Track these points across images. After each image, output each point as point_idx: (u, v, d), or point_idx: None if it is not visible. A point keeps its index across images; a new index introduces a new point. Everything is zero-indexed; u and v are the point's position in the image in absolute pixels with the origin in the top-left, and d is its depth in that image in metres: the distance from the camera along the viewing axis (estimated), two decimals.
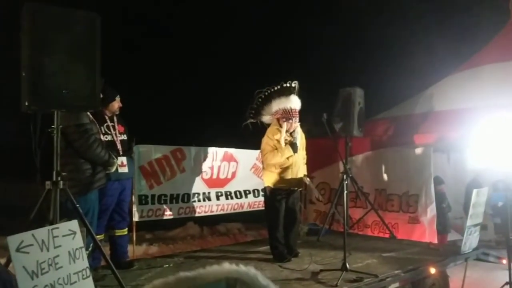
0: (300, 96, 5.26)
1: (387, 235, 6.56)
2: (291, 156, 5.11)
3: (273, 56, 13.88)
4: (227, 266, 0.71)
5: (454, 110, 6.88)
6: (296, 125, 5.20)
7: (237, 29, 14.43)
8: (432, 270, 4.92)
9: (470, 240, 5.44)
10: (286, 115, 5.12)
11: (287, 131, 5.13)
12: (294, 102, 5.17)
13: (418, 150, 6.65)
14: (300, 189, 5.36)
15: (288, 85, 5.25)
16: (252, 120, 5.35)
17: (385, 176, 7.03)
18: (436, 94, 7.69)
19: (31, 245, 2.56)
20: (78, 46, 3.20)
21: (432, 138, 6.75)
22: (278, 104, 5.18)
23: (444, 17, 12.21)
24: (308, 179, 5.35)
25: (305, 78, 5.42)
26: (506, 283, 5.16)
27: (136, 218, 5.67)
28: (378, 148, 7.26)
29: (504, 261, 5.45)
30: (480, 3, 10.62)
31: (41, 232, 2.67)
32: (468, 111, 6.44)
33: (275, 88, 5.26)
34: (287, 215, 5.27)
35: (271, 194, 5.22)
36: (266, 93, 5.28)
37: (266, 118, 5.33)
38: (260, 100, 5.30)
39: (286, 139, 5.11)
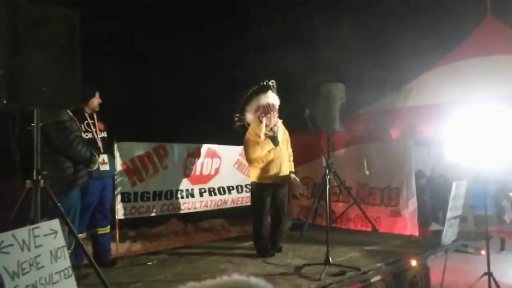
0: (278, 93, 5.41)
1: (369, 229, 6.64)
2: (272, 149, 5.20)
3: (254, 52, 13.84)
4: (236, 277, 0.71)
5: (434, 105, 6.99)
6: (275, 119, 5.33)
7: (219, 26, 14.36)
8: (413, 263, 5.01)
9: (450, 232, 5.55)
10: (265, 110, 5.28)
11: (266, 125, 5.25)
12: (271, 98, 5.34)
13: (399, 144, 6.74)
14: (285, 183, 5.41)
15: (265, 83, 5.42)
16: (239, 123, 5.47)
17: (367, 170, 7.10)
18: (416, 89, 7.80)
19: (11, 245, 2.53)
20: (58, 43, 3.15)
21: (412, 132, 6.85)
22: (257, 102, 5.37)
23: (422, 13, 12.36)
24: (293, 174, 5.44)
25: (287, 74, 5.53)
26: (485, 273, 5.29)
27: (119, 215, 5.63)
28: (359, 143, 7.33)
29: (483, 252, 5.58)
30: None
31: (22, 232, 2.63)
32: (448, 105, 6.54)
33: (254, 88, 5.45)
34: (274, 211, 5.35)
35: (256, 189, 5.32)
36: (247, 94, 5.43)
37: (249, 118, 5.45)
38: (242, 101, 5.45)
39: (266, 133, 5.21)
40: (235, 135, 5.59)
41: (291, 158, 5.64)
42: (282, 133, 5.43)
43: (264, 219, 5.27)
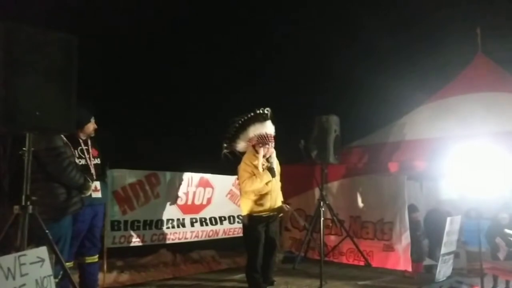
0: (273, 123, 5.31)
1: (362, 263, 6.54)
2: (269, 181, 5.09)
3: (249, 83, 13.99)
4: None
5: (426, 140, 7.03)
6: (272, 150, 5.23)
7: (212, 54, 14.54)
8: None
9: (444, 268, 5.48)
10: (262, 140, 5.15)
11: (264, 156, 5.14)
12: (269, 128, 5.23)
13: (392, 178, 6.72)
14: (280, 215, 5.32)
15: (261, 111, 5.30)
16: (227, 150, 5.34)
17: (360, 204, 7.06)
18: (409, 123, 7.85)
19: None
20: (54, 67, 3.11)
21: (405, 166, 6.85)
22: (253, 131, 5.21)
23: (416, 50, 12.64)
24: (289, 206, 5.34)
25: (282, 105, 5.48)
26: None
27: (108, 244, 5.50)
28: (353, 176, 7.31)
29: None
30: (450, 37, 11.06)
31: (7, 259, 2.54)
32: (439, 140, 6.58)
33: (249, 116, 5.31)
34: (266, 243, 5.19)
35: (251, 222, 5.12)
36: (240, 121, 5.31)
37: (241, 146, 5.32)
38: (234, 128, 5.32)
39: (263, 164, 5.10)
40: (224, 162, 5.45)
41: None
42: (276, 164, 5.36)
43: (259, 252, 5.10)
